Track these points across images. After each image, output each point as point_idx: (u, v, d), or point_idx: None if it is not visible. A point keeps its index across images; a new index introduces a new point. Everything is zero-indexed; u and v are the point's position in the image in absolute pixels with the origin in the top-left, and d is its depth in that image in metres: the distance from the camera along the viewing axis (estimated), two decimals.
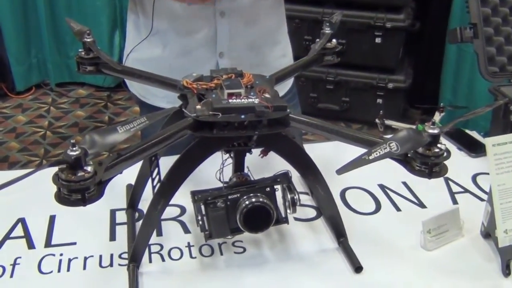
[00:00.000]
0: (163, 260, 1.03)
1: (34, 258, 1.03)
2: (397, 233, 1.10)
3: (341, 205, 1.19)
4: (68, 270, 1.01)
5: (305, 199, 1.19)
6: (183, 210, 1.16)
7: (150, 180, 1.00)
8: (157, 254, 1.04)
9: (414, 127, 0.89)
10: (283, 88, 1.44)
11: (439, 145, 0.88)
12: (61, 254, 1.04)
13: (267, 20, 1.38)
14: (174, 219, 1.14)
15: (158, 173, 0.99)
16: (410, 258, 1.04)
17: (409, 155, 0.89)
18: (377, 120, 1.44)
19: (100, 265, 1.02)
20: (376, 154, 0.84)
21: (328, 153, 1.23)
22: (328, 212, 1.08)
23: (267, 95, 0.93)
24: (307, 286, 0.98)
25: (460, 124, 1.34)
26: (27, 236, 1.09)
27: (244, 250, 1.06)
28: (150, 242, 1.00)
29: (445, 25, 3.02)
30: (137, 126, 0.88)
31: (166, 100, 1.35)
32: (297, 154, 0.99)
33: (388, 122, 1.43)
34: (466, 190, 1.25)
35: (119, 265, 1.02)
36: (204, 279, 1.00)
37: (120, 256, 1.04)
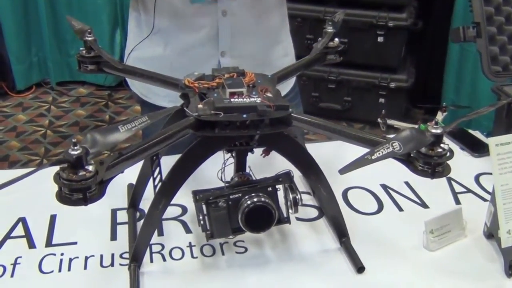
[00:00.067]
0: (164, 260, 1.03)
1: (35, 257, 1.03)
2: (400, 233, 1.10)
3: (343, 205, 1.18)
4: (69, 269, 1.01)
5: (307, 199, 1.19)
6: (184, 209, 1.16)
7: (151, 180, 0.99)
8: (158, 254, 1.04)
9: (416, 126, 0.89)
10: (285, 87, 1.44)
11: (442, 145, 0.87)
12: (62, 254, 1.04)
13: (269, 19, 1.37)
14: (175, 218, 1.14)
15: (160, 172, 0.99)
16: (413, 259, 1.04)
17: (412, 155, 0.88)
18: (379, 120, 1.44)
19: (101, 265, 1.02)
20: (379, 153, 0.83)
21: (330, 153, 1.22)
22: (330, 212, 1.08)
23: (269, 94, 0.93)
24: (309, 286, 0.98)
25: (463, 124, 1.34)
26: (28, 235, 1.09)
27: (246, 250, 1.05)
28: (151, 242, 0.99)
29: (447, 24, 3.01)
30: (138, 125, 0.88)
31: (168, 99, 1.35)
32: (299, 153, 0.98)
33: (390, 121, 1.43)
34: (469, 190, 1.25)
35: (120, 265, 1.02)
36: (206, 279, 0.99)
37: (121, 256, 1.03)
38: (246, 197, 0.95)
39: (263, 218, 0.95)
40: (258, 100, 0.90)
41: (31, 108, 3.64)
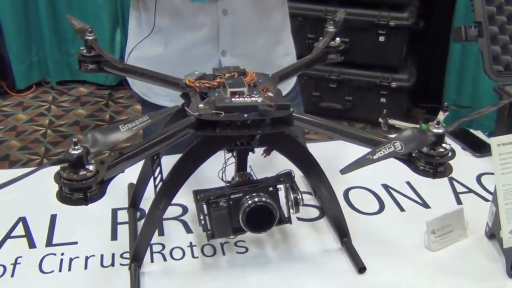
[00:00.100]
0: (165, 260, 1.03)
1: (35, 257, 1.03)
2: (401, 234, 1.10)
3: (344, 205, 1.18)
4: (69, 269, 1.00)
5: (308, 198, 1.19)
6: (185, 209, 1.15)
7: (152, 179, 0.99)
8: (159, 253, 1.04)
9: (418, 126, 0.89)
10: (286, 87, 1.43)
11: (444, 145, 0.87)
12: (62, 254, 1.04)
13: (271, 18, 1.37)
14: (176, 218, 1.13)
15: (160, 172, 0.99)
16: (414, 259, 1.04)
17: (413, 154, 0.88)
18: (380, 120, 1.43)
19: (102, 265, 1.02)
20: (381, 153, 0.83)
21: (331, 153, 1.22)
22: (332, 212, 1.07)
23: (270, 94, 0.92)
24: (310, 287, 0.97)
25: (465, 124, 1.33)
26: (28, 235, 1.08)
27: (247, 250, 1.05)
28: (152, 242, 0.99)
29: (449, 24, 3.01)
30: (139, 124, 0.88)
31: (168, 98, 1.35)
32: (300, 153, 0.98)
33: (392, 121, 1.43)
34: (471, 190, 1.24)
35: (121, 264, 1.01)
36: (206, 279, 0.99)
37: (121, 256, 1.03)
38: (247, 197, 0.95)
39: (264, 218, 0.95)
40: (259, 99, 0.89)
41: (31, 108, 3.64)
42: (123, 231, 1.09)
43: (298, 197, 0.97)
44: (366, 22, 3.15)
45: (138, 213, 1.13)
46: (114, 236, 1.09)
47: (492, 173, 0.98)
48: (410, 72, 3.32)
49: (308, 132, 2.13)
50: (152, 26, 1.29)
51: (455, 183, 1.26)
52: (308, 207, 1.17)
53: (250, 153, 0.99)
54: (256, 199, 0.94)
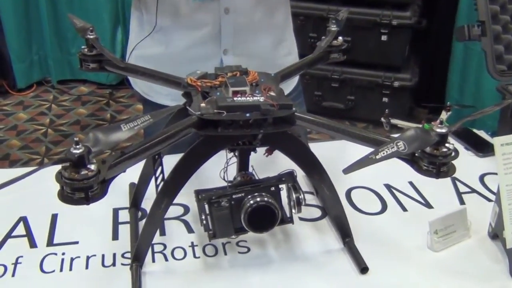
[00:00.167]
0: (166, 259, 1.02)
1: (36, 257, 1.02)
2: (404, 234, 1.09)
3: (346, 205, 1.17)
4: (70, 269, 1.00)
5: (310, 198, 1.18)
6: (186, 209, 1.15)
7: (153, 179, 0.99)
8: (160, 253, 1.04)
9: (420, 126, 0.88)
10: (288, 86, 1.43)
11: (447, 145, 0.87)
12: (63, 253, 1.04)
13: (273, 17, 1.37)
14: (177, 218, 1.13)
15: (162, 171, 0.98)
16: (417, 259, 1.03)
17: (416, 154, 0.88)
18: (382, 119, 1.43)
19: (103, 265, 1.01)
20: (383, 153, 0.83)
21: (333, 152, 1.21)
22: (334, 212, 1.07)
23: (272, 93, 0.92)
24: (312, 287, 0.97)
25: (468, 123, 1.32)
26: (29, 235, 1.08)
27: (249, 250, 1.05)
28: (153, 242, 0.99)
29: (452, 23, 3.00)
30: (141, 124, 0.88)
31: (170, 97, 1.34)
32: (302, 153, 0.98)
33: (394, 121, 1.42)
34: (474, 190, 1.24)
35: (122, 264, 1.01)
36: (208, 279, 0.99)
37: (123, 256, 1.03)
38: (249, 196, 0.94)
39: (266, 218, 0.95)
40: (261, 99, 0.89)
41: (31, 107, 3.64)
42: (124, 231, 1.09)
43: (300, 197, 0.97)
44: (368, 21, 3.14)
45: (140, 213, 1.13)
46: (115, 236, 1.09)
47: (495, 173, 0.98)
48: (412, 71, 3.32)
49: (310, 132, 2.13)
50: (154, 25, 1.29)
51: (458, 183, 1.25)
52: (310, 207, 1.16)
53: (252, 153, 0.99)
54: (258, 199, 0.94)
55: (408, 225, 1.12)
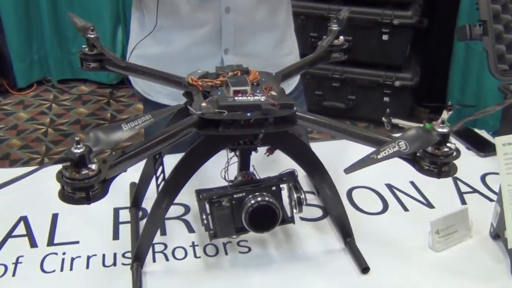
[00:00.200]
0: (167, 259, 1.02)
1: (37, 256, 1.02)
2: (405, 234, 1.09)
3: (347, 204, 1.17)
4: (71, 269, 1.00)
5: (311, 198, 1.18)
6: (187, 209, 1.15)
7: (154, 179, 0.98)
8: (161, 253, 1.03)
9: (421, 125, 0.88)
10: (289, 86, 1.43)
11: (448, 144, 0.86)
12: (63, 253, 1.03)
13: (274, 16, 1.36)
14: (178, 218, 1.13)
15: (163, 171, 0.98)
16: (418, 259, 1.03)
17: (418, 154, 0.87)
18: (383, 119, 1.42)
19: (103, 264, 1.01)
20: (385, 153, 0.83)
21: (334, 152, 1.21)
22: (335, 211, 1.07)
23: (273, 93, 0.92)
24: (313, 287, 0.97)
25: (469, 123, 1.32)
26: (30, 234, 1.08)
27: (249, 250, 1.04)
28: (154, 241, 0.98)
29: (453, 22, 3.00)
30: (141, 123, 0.88)
31: (171, 97, 1.34)
32: (303, 152, 0.97)
33: (395, 120, 1.42)
34: (475, 190, 1.23)
35: (123, 264, 1.01)
36: (209, 279, 0.98)
37: (123, 255, 1.03)
38: (250, 196, 0.94)
39: (267, 218, 0.94)
40: (262, 98, 0.89)
41: (32, 106, 3.63)
42: (125, 231, 1.09)
43: (301, 196, 0.97)
44: (369, 21, 3.14)
45: (140, 213, 1.13)
46: (116, 236, 1.08)
47: (497, 173, 0.98)
48: (413, 71, 3.31)
49: (311, 132, 2.13)
50: (154, 24, 1.28)
51: (459, 183, 1.25)
52: (311, 207, 1.16)
53: (253, 152, 0.99)
54: (259, 199, 0.93)
55: (409, 225, 1.12)
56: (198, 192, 0.95)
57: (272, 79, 0.98)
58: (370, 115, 3.27)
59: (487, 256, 1.04)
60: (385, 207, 1.18)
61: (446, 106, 1.37)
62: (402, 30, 3.14)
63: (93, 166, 0.79)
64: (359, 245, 1.03)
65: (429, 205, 1.19)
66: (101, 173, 0.79)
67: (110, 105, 3.66)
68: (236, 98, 0.89)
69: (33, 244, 1.06)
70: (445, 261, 1.02)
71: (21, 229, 1.09)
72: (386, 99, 3.30)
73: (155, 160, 0.97)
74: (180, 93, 0.99)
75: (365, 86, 3.32)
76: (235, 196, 0.94)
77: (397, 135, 0.88)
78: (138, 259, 0.97)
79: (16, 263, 1.01)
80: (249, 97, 0.89)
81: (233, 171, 1.00)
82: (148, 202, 1.07)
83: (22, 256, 1.02)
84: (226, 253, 1.03)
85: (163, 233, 1.08)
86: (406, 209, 1.18)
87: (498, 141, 0.95)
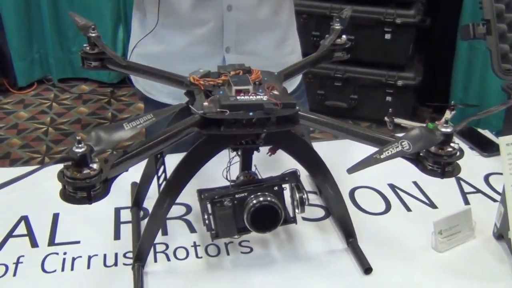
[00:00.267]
0: (168, 259, 1.02)
1: (38, 256, 1.02)
2: (408, 234, 1.08)
3: (350, 205, 1.17)
4: (72, 269, 1.00)
5: (314, 198, 1.18)
6: (189, 209, 1.14)
7: (155, 178, 0.98)
8: (163, 253, 1.03)
9: (424, 125, 0.88)
10: (291, 85, 1.42)
11: (452, 144, 0.86)
12: (64, 253, 1.03)
13: (276, 15, 1.36)
14: (180, 218, 1.12)
15: (164, 171, 0.98)
16: (421, 260, 1.02)
17: (421, 154, 0.87)
18: (386, 118, 1.42)
19: (105, 264, 1.01)
20: (388, 153, 0.82)
21: (337, 152, 1.21)
22: (337, 212, 1.06)
23: (275, 92, 0.91)
24: (315, 287, 0.96)
25: (472, 123, 1.32)
26: (30, 234, 1.08)
27: (251, 250, 1.04)
28: (155, 241, 0.98)
29: (456, 21, 2.99)
30: (143, 123, 0.87)
31: (172, 96, 1.34)
32: (306, 152, 0.97)
33: (398, 120, 1.41)
34: (478, 191, 1.23)
35: (124, 264, 1.00)
36: (210, 279, 0.98)
37: (124, 255, 1.02)
38: (252, 196, 0.94)
39: (269, 218, 0.94)
40: (265, 98, 0.89)
41: (32, 105, 3.63)
42: (126, 231, 1.09)
43: (303, 196, 0.96)
44: (372, 20, 3.13)
45: (142, 213, 1.13)
46: (117, 236, 1.08)
47: (500, 173, 0.97)
48: (416, 70, 3.31)
49: (313, 131, 2.12)
50: (155, 23, 1.28)
51: (462, 183, 1.25)
52: (314, 207, 1.16)
53: (255, 152, 0.98)
54: (261, 199, 0.93)
55: (412, 225, 1.11)
56: (200, 192, 0.95)
57: (274, 78, 0.98)
58: (373, 114, 3.26)
59: (490, 256, 1.03)
60: (388, 207, 1.18)
61: (449, 106, 1.36)
62: (405, 29, 3.14)
63: (95, 166, 0.78)
64: (361, 246, 1.02)
65: (432, 205, 1.18)
66: (103, 173, 0.79)
67: (111, 104, 3.66)
68: (238, 97, 0.88)
69: (34, 244, 1.05)
70: (448, 261, 1.02)
71: (22, 229, 1.09)
72: (388, 98, 3.30)
73: (157, 159, 0.96)
74: (181, 92, 0.98)
75: (367, 85, 3.31)
76: (237, 196, 0.94)
77: (400, 135, 0.87)
78: (139, 259, 0.97)
79: (17, 263, 1.00)
80: (251, 97, 0.89)
81: (235, 171, 0.99)
82: (150, 202, 1.06)
83: (23, 256, 1.02)
84: (228, 253, 1.03)
85: (165, 233, 1.08)
86: (409, 209, 1.17)
87: (502, 141, 0.95)
